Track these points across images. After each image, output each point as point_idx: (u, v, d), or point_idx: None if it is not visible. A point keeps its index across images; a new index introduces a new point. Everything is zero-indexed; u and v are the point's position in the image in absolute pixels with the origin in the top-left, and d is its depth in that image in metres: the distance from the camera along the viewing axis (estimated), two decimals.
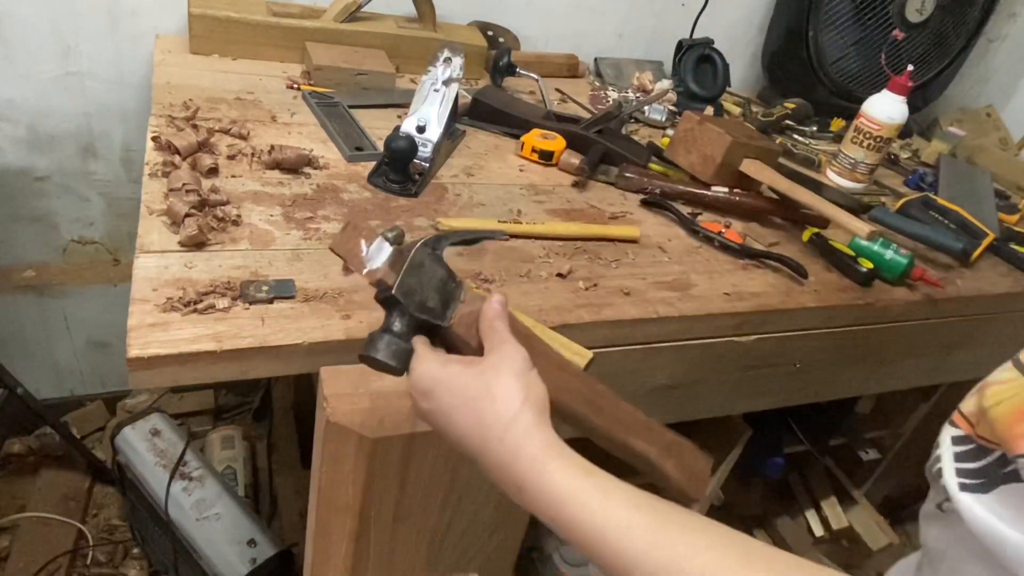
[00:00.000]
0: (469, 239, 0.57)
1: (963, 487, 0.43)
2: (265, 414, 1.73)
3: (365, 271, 0.48)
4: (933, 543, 0.48)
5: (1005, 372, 0.44)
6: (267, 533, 1.25)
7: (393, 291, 0.46)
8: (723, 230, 0.99)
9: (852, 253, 1.01)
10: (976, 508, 0.41)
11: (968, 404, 0.48)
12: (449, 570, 0.78)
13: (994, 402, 0.43)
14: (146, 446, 1.33)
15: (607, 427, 0.49)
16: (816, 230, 1.06)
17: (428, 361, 0.45)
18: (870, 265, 0.99)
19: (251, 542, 1.22)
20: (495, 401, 0.42)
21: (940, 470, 0.46)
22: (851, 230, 1.05)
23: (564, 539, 0.40)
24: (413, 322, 0.48)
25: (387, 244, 0.49)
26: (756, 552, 0.36)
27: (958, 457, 0.47)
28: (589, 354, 0.62)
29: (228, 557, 1.20)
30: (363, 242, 0.48)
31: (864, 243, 1.02)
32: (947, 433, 0.50)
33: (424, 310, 0.48)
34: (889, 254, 1.01)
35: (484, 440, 0.42)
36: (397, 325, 0.47)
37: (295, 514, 1.40)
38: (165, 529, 1.25)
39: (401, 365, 0.47)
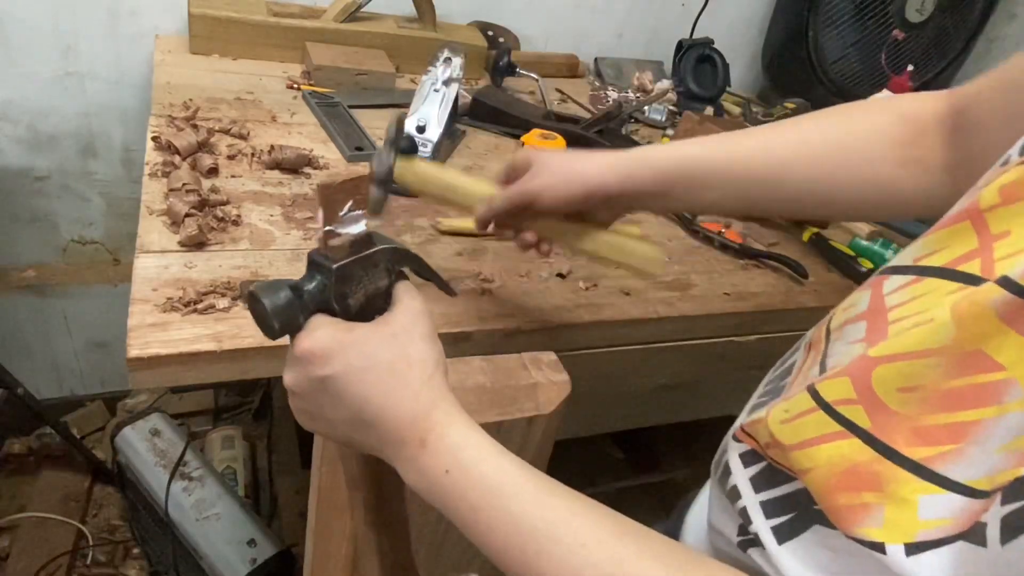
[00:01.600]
0: (424, 274, 0.54)
1: (778, 534, 0.41)
2: (265, 414, 1.73)
3: (326, 228, 0.45)
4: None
5: (797, 398, 0.41)
6: (267, 533, 1.25)
7: (334, 266, 0.43)
8: (723, 230, 0.99)
9: (852, 253, 1.01)
10: (801, 571, 0.39)
11: (752, 422, 0.45)
12: (449, 570, 0.78)
13: (794, 440, 0.39)
14: (146, 446, 1.33)
15: None
16: (816, 230, 1.06)
17: (330, 325, 0.43)
18: (870, 265, 0.99)
19: (251, 542, 1.22)
20: (412, 364, 0.43)
21: (745, 510, 0.43)
22: (851, 230, 1.05)
23: (449, 494, 0.40)
24: (322, 303, 0.44)
25: (363, 222, 0.46)
26: (629, 525, 0.37)
27: (755, 484, 0.44)
28: (637, 231, 0.63)
29: (228, 557, 1.20)
30: (351, 203, 0.46)
31: (864, 243, 1.02)
32: (734, 450, 0.47)
33: (340, 302, 0.44)
34: (889, 254, 1.01)
35: (398, 398, 0.42)
36: (307, 294, 0.44)
37: (295, 514, 1.40)
38: (165, 529, 1.25)
39: (280, 329, 0.43)
